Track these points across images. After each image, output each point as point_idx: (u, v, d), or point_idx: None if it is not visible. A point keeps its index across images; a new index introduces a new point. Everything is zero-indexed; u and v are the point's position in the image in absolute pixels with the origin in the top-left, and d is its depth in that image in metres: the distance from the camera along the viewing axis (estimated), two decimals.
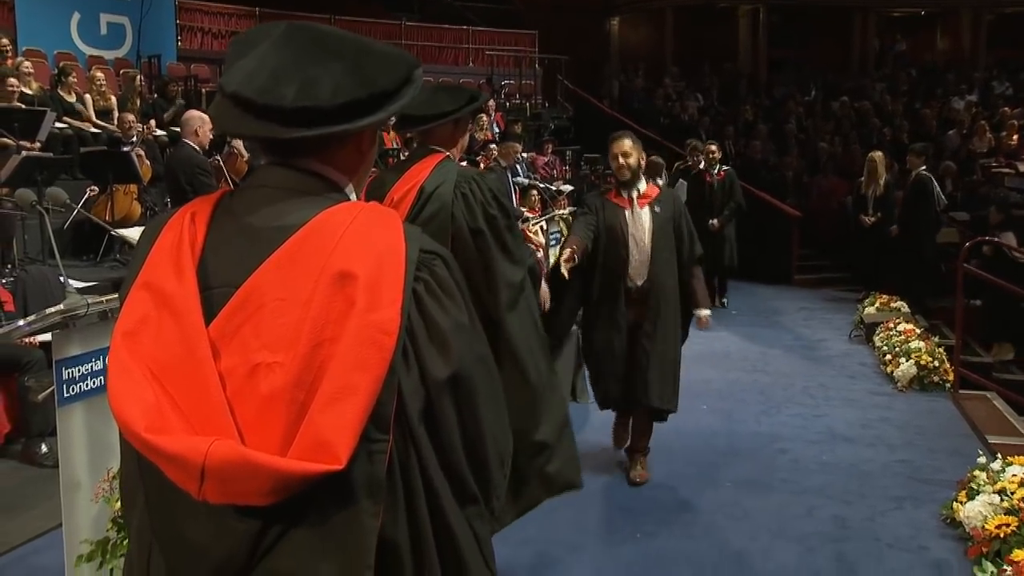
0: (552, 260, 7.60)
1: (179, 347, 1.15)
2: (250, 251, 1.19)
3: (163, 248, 1.22)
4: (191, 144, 6.12)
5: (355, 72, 1.22)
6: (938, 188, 9.49)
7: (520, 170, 9.88)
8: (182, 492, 1.12)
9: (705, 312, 4.60)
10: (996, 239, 8.78)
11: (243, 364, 1.14)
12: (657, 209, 4.50)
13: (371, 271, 1.15)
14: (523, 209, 8.56)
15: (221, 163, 8.21)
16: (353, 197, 1.33)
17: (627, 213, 4.48)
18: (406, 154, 3.58)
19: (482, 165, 9.55)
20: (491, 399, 1.30)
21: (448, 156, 2.99)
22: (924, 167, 9.46)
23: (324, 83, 1.19)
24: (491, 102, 14.88)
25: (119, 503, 2.73)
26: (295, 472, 1.08)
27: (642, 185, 4.54)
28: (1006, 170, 13.49)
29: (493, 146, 10.11)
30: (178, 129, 10.60)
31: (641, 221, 4.48)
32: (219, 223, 1.25)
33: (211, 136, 6.34)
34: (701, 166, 9.70)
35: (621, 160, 4.46)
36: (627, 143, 4.46)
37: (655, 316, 4.44)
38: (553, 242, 7.70)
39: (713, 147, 9.58)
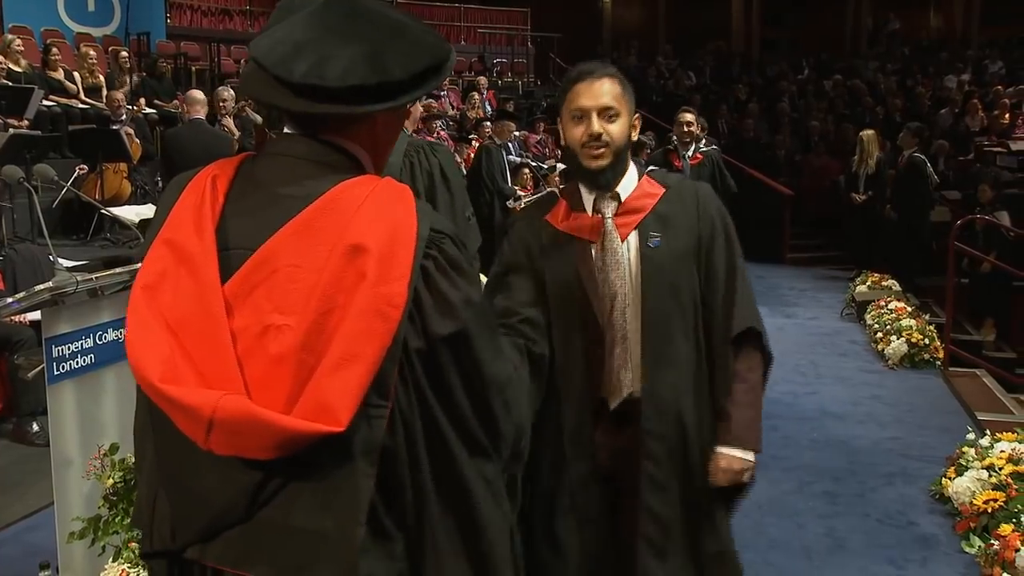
0: None
1: (195, 303, 1.19)
2: (268, 216, 1.23)
3: (184, 207, 1.26)
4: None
5: (373, 57, 1.23)
6: (930, 168, 9.49)
7: (513, 148, 9.85)
8: (190, 442, 1.17)
9: (738, 455, 2.20)
10: (988, 217, 8.81)
11: (255, 324, 1.18)
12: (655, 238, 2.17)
13: (383, 245, 1.19)
14: (516, 187, 8.53)
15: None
16: (369, 170, 1.35)
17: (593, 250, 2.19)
18: None
19: (476, 144, 9.51)
20: (493, 347, 1.33)
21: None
22: (917, 148, 9.45)
23: (336, 64, 1.22)
24: (483, 80, 14.81)
25: (111, 480, 2.74)
26: (298, 430, 1.13)
27: (628, 182, 2.22)
28: (998, 149, 13.50)
29: (487, 123, 10.07)
30: (171, 108, 10.58)
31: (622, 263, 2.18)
32: (240, 187, 1.29)
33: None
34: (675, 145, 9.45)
35: (595, 125, 2.11)
36: (605, 85, 2.13)
37: (664, 464, 2.16)
38: None
39: (688, 116, 6.61)
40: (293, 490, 1.19)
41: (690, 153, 6.61)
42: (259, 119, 9.64)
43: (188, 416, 1.15)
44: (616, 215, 2.18)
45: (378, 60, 1.24)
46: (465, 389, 1.28)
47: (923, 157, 9.42)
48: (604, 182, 2.16)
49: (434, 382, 1.25)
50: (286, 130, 1.34)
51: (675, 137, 6.71)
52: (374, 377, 1.16)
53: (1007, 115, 14.45)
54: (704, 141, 9.35)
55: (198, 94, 6.55)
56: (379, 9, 1.31)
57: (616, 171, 2.16)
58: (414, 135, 3.03)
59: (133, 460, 2.76)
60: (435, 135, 9.47)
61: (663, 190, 2.22)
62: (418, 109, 3.32)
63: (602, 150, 2.12)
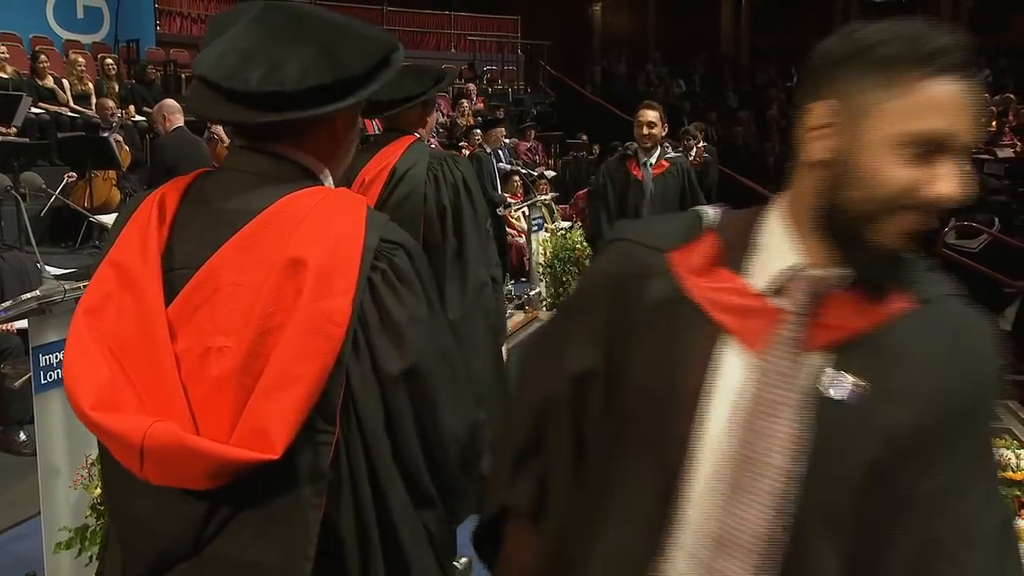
0: (535, 246, 7.62)
1: (138, 327, 1.15)
2: (212, 234, 1.18)
3: (132, 228, 1.22)
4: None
5: (326, 56, 1.19)
6: None
7: (503, 156, 9.87)
8: (130, 471, 1.12)
9: None
10: (974, 223, 8.86)
11: (197, 346, 1.14)
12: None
13: (324, 259, 1.13)
14: (506, 195, 8.55)
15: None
16: (328, 182, 1.30)
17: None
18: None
19: (465, 151, 9.53)
20: (452, 397, 1.25)
21: (418, 138, 2.96)
22: None
23: (291, 67, 1.17)
24: (472, 87, 14.83)
25: (98, 490, 2.72)
26: (230, 458, 1.08)
27: None
28: (985, 156, 13.59)
29: (476, 131, 10.09)
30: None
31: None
32: (188, 205, 1.24)
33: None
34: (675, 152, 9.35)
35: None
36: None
37: None
38: (536, 227, 7.71)
39: (650, 115, 5.16)
40: (239, 522, 1.13)
41: (653, 160, 5.17)
42: None
43: (120, 445, 1.10)
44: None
45: (332, 58, 1.19)
46: (417, 428, 1.21)
47: None
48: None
49: (385, 419, 1.19)
50: (236, 144, 1.29)
51: (635, 140, 5.28)
52: (316, 400, 1.10)
53: (993, 123, 14.55)
54: (692, 146, 9.39)
55: (173, 102, 6.39)
56: (317, 11, 1.28)
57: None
58: (434, 147, 3.03)
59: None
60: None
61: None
62: (435, 118, 3.31)
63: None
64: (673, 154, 5.48)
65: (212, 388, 1.12)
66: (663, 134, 5.25)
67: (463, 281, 2.84)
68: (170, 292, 1.17)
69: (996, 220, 9.58)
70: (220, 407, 1.12)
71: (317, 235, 1.15)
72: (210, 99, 1.20)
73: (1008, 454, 4.03)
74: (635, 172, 5.19)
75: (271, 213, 1.18)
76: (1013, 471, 3.89)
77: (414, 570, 1.23)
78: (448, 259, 2.83)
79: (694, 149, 9.86)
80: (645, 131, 5.14)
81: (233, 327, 1.13)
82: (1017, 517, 3.53)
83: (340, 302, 1.12)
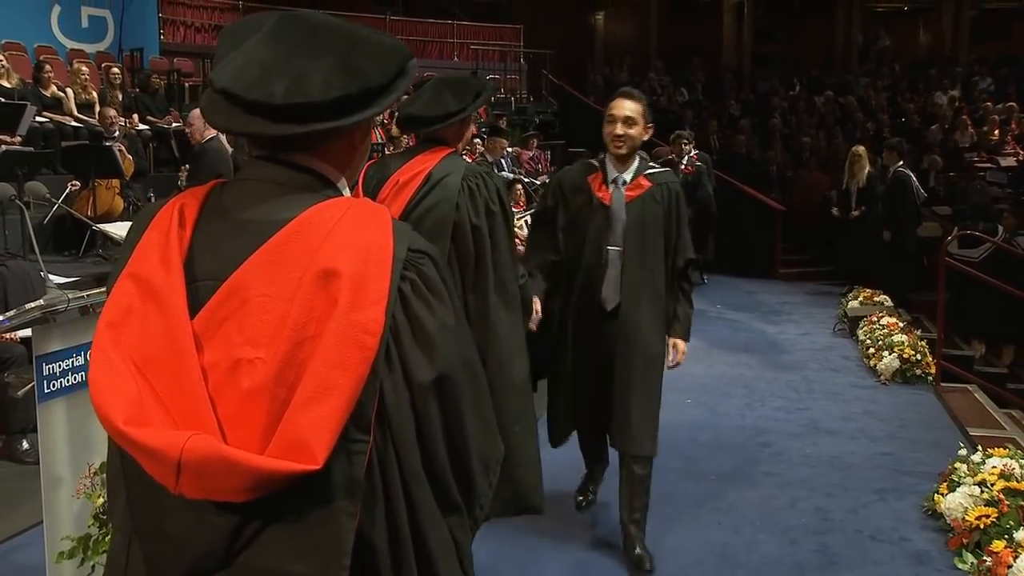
0: None
1: (163, 339, 1.13)
2: (237, 245, 1.18)
3: (151, 239, 1.21)
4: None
5: (346, 66, 1.19)
6: (916, 183, 9.53)
7: (505, 164, 9.87)
8: (161, 486, 1.11)
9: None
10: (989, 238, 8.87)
11: (226, 359, 1.13)
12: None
13: (356, 269, 1.13)
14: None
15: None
16: (345, 192, 1.31)
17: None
18: (390, 149, 3.58)
19: (467, 160, 9.54)
20: (476, 405, 1.28)
21: (455, 151, 2.99)
22: (901, 163, 9.49)
23: (315, 78, 1.17)
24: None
25: (101, 499, 2.72)
26: (271, 471, 1.07)
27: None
28: (988, 164, 13.60)
29: (477, 140, 10.10)
30: (163, 124, 10.60)
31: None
32: (207, 216, 1.23)
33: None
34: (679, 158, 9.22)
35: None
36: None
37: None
38: None
39: (628, 107, 3.49)
40: (273, 533, 1.12)
41: (628, 177, 3.56)
42: None
43: (155, 460, 1.08)
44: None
45: (353, 68, 1.20)
46: (446, 437, 1.23)
47: (908, 172, 9.46)
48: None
49: (412, 425, 1.20)
50: (254, 154, 1.29)
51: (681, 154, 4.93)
52: (352, 410, 1.11)
53: (996, 131, 14.57)
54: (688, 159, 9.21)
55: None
56: (330, 21, 1.28)
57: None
58: (463, 157, 3.08)
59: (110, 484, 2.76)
60: None
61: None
62: (472, 131, 3.35)
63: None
64: (658, 169, 3.68)
65: (244, 400, 1.11)
66: (645, 137, 3.55)
67: (492, 291, 2.91)
68: (194, 304, 1.16)
69: (999, 228, 9.58)
70: (251, 420, 1.11)
71: (347, 245, 1.15)
72: (229, 111, 1.20)
73: (1012, 464, 4.03)
74: (600, 193, 3.56)
75: (299, 224, 1.17)
76: (1018, 481, 3.89)
77: None
78: (485, 271, 2.90)
79: (686, 157, 9.79)
80: (619, 130, 3.45)
81: (264, 339, 1.12)
82: (1021, 527, 3.52)
83: (374, 312, 1.13)
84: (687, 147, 9.89)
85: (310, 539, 1.13)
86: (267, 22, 1.25)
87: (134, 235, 1.25)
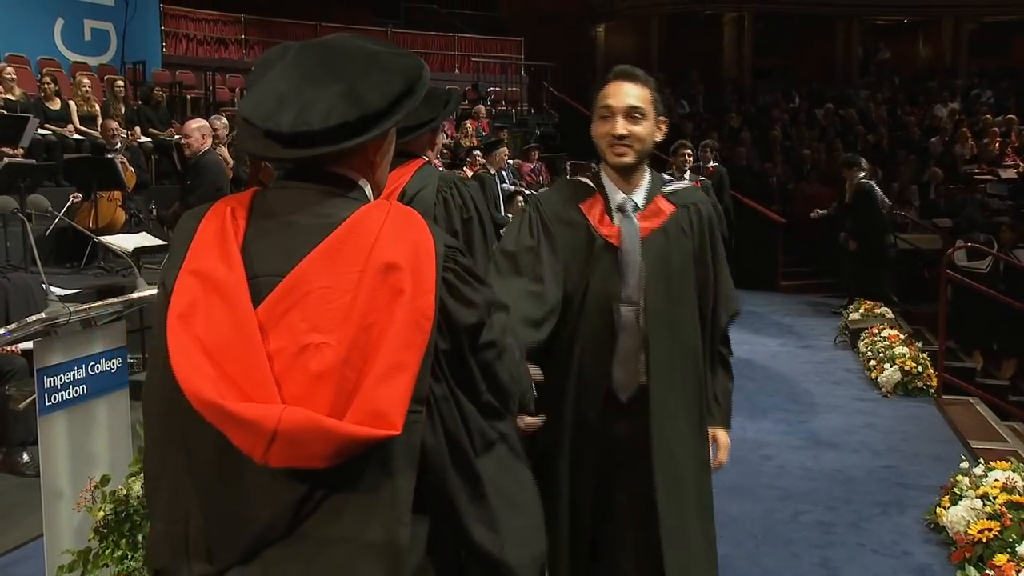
0: None
1: (230, 328, 1.25)
2: (292, 244, 1.31)
3: (206, 238, 1.33)
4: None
5: (350, 94, 1.32)
6: (880, 192, 9.49)
7: (506, 176, 9.89)
8: (231, 462, 1.24)
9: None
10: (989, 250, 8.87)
11: (291, 345, 1.25)
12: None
13: (412, 262, 1.29)
14: (509, 216, 8.56)
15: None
16: (368, 192, 1.44)
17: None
18: None
19: (468, 172, 9.55)
20: (514, 362, 1.49)
21: (427, 160, 2.99)
22: (863, 174, 9.49)
23: (319, 107, 1.30)
24: (482, 108, 14.90)
25: (101, 512, 2.72)
26: (360, 436, 1.21)
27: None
28: (988, 176, 13.62)
29: (477, 152, 10.12)
30: (165, 136, 10.63)
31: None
32: (257, 218, 1.37)
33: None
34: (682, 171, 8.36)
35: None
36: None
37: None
38: None
39: (631, 92, 2.34)
40: (336, 500, 1.26)
41: (641, 199, 2.39)
42: None
43: (248, 431, 1.20)
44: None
45: (355, 95, 1.32)
46: (480, 368, 1.40)
47: (870, 183, 9.41)
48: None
49: (458, 370, 1.36)
50: (286, 167, 1.43)
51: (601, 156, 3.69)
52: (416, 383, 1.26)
53: (996, 143, 14.59)
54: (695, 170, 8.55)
55: (206, 123, 6.79)
56: (349, 44, 1.40)
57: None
58: (443, 169, 3.08)
59: (140, 492, 2.75)
60: None
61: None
62: (441, 139, 3.35)
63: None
64: (679, 185, 2.53)
65: (311, 381, 1.24)
66: (658, 139, 2.41)
67: None
68: (256, 297, 1.28)
69: (994, 240, 9.59)
70: (318, 399, 1.23)
71: (400, 242, 1.30)
72: (254, 137, 1.35)
73: (1015, 476, 4.02)
74: (602, 228, 2.38)
75: (351, 224, 1.32)
76: (1020, 494, 3.88)
77: (509, 462, 1.44)
78: None
79: (710, 163, 9.66)
80: (620, 128, 2.33)
81: (330, 325, 1.26)
82: None
83: (427, 299, 1.28)
84: (711, 154, 9.56)
85: (371, 504, 1.26)
86: (289, 52, 1.40)
87: (182, 237, 1.36)
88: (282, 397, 1.23)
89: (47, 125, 9.39)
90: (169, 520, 1.32)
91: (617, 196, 2.40)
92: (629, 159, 2.35)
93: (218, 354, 1.25)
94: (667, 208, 2.41)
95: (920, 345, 7.47)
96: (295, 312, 1.27)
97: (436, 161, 3.88)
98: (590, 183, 2.46)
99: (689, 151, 8.45)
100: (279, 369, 1.25)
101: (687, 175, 7.99)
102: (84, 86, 10.24)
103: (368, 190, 1.44)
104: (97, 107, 10.22)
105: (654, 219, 2.39)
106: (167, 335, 1.27)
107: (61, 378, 2.71)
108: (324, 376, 1.24)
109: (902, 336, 7.44)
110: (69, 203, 7.88)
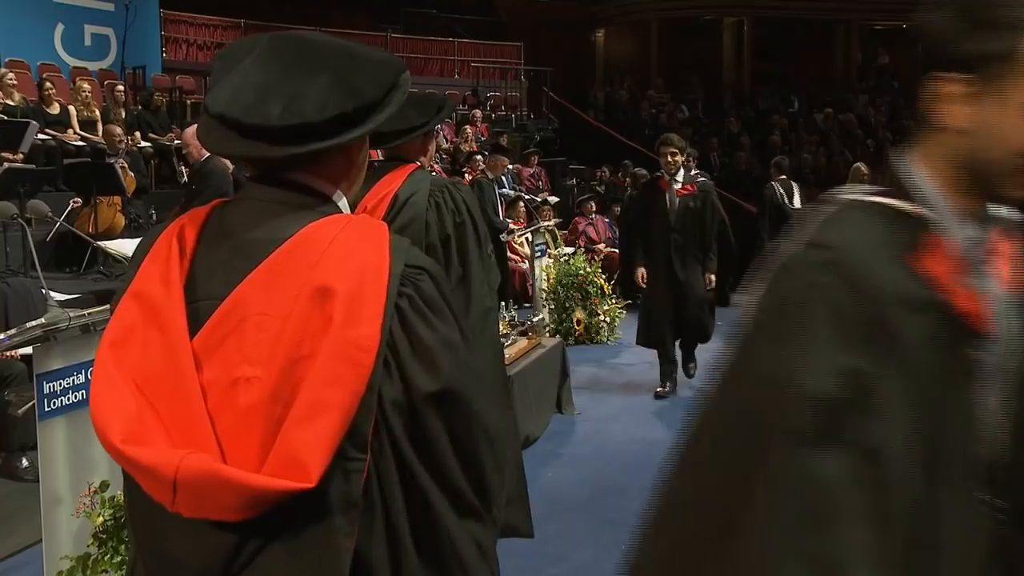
0: (538, 273, 7.63)
1: (163, 359, 1.14)
2: (236, 264, 1.19)
3: (154, 259, 1.22)
4: None
5: (340, 84, 1.20)
6: (783, 196, 9.37)
7: (506, 182, 9.90)
8: (160, 504, 1.12)
9: None
10: None
11: (224, 377, 1.14)
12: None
13: (352, 286, 1.13)
14: (509, 221, 8.57)
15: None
16: (343, 204, 1.31)
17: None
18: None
19: (468, 177, 9.56)
20: (487, 410, 1.26)
21: (420, 166, 3.00)
22: (783, 176, 9.44)
23: (310, 98, 1.18)
24: (479, 113, 14.92)
25: (101, 518, 2.71)
26: (266, 488, 1.08)
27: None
28: None
29: (478, 158, 10.13)
30: (165, 141, 10.64)
31: None
32: (208, 236, 1.24)
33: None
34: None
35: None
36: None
37: None
38: (539, 254, 7.71)
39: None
40: (270, 553, 1.12)
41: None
42: None
43: (152, 478, 1.09)
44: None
45: (348, 85, 1.21)
46: (452, 444, 1.20)
47: (772, 184, 9.37)
48: None
49: (415, 437, 1.18)
50: (253, 174, 1.30)
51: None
52: (348, 428, 1.10)
53: None
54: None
55: None
56: (321, 39, 1.28)
57: None
58: (435, 173, 3.08)
59: (123, 500, 2.75)
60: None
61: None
62: (435, 145, 3.35)
63: None
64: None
65: (241, 418, 1.12)
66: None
67: (467, 307, 2.87)
68: (194, 323, 1.16)
69: None
70: (248, 437, 1.11)
71: (343, 263, 1.15)
72: (226, 136, 1.21)
73: None
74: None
75: (295, 242, 1.18)
76: None
77: None
78: (452, 286, 2.86)
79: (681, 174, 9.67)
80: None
81: (261, 357, 1.13)
82: None
83: (368, 329, 1.12)
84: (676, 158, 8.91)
85: (308, 559, 1.12)
86: (258, 44, 1.25)
87: (140, 254, 1.26)
88: (216, 435, 1.11)
89: (47, 130, 9.39)
90: (129, 567, 1.25)
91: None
92: None
93: (147, 387, 1.13)
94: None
95: None
96: (231, 340, 1.14)
97: (435, 166, 3.87)
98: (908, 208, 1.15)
99: (675, 150, 6.90)
100: (213, 404, 1.13)
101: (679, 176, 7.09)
102: (84, 91, 10.24)
103: (344, 202, 1.30)
104: (97, 112, 10.22)
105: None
106: (95, 364, 1.17)
107: (61, 383, 2.71)
108: (252, 413, 1.11)
109: None
110: (69, 208, 7.89)
